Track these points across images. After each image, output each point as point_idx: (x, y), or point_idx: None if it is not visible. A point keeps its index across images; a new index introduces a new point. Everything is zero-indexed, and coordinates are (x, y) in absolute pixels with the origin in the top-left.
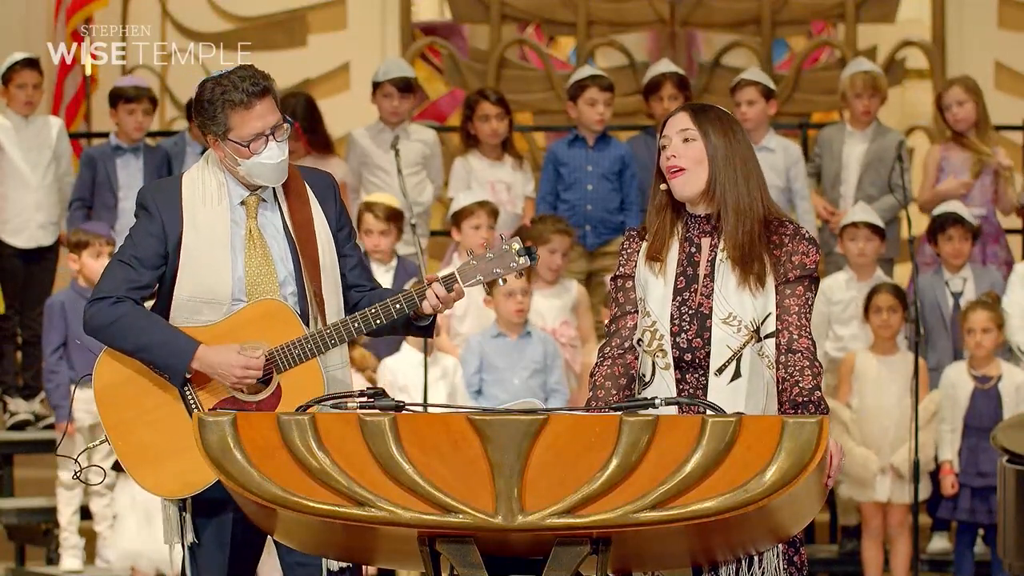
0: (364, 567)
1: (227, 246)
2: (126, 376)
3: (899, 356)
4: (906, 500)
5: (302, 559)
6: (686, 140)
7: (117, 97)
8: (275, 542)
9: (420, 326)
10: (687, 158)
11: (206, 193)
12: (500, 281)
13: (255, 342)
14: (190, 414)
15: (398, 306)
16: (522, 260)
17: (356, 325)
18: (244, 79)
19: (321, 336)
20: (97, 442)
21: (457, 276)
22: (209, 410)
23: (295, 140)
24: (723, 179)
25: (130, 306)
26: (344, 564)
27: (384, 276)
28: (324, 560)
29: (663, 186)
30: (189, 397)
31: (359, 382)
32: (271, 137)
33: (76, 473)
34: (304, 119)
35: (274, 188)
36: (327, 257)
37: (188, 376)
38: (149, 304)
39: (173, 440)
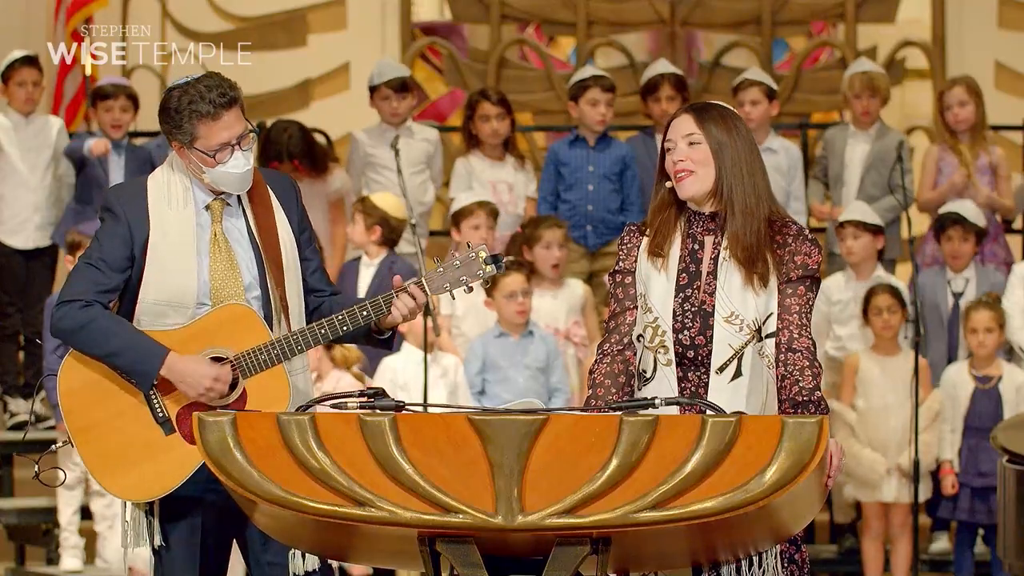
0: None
1: (193, 250)
2: (92, 380)
3: (901, 356)
4: (908, 500)
5: (274, 558)
6: (691, 144)
7: (95, 96)
8: (239, 541)
9: (380, 339)
10: (694, 161)
11: (172, 196)
12: (465, 289)
13: (221, 347)
14: (155, 418)
15: (365, 313)
16: (488, 268)
17: (323, 331)
18: (211, 89)
19: (288, 342)
20: (56, 445)
21: (425, 285)
22: (177, 414)
23: (292, 169)
24: (730, 179)
25: (99, 310)
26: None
27: (365, 271)
28: (291, 555)
29: (668, 183)
30: (155, 402)
31: (347, 380)
32: (237, 147)
33: (36, 474)
34: (299, 151)
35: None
36: (291, 261)
37: (155, 382)
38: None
39: (138, 445)
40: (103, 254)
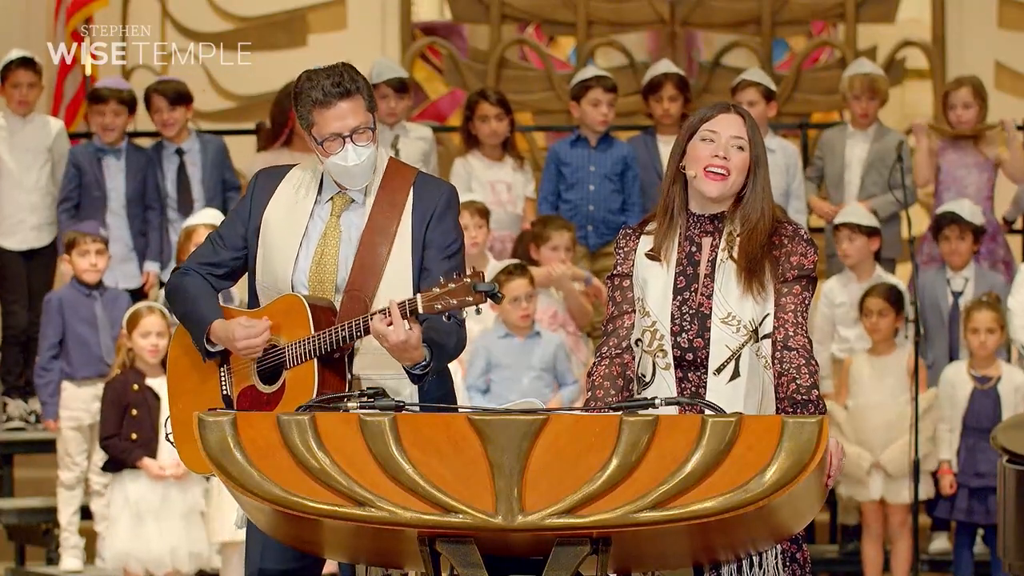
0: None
1: (298, 239)
2: (189, 350)
3: (893, 355)
4: (904, 500)
5: None
6: (737, 147)
7: (90, 98)
8: None
9: (410, 372)
10: (734, 166)
11: (301, 184)
12: (463, 313)
13: (276, 336)
14: (220, 394)
15: (356, 323)
16: (478, 295)
17: (339, 335)
18: (329, 77)
19: (318, 339)
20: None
21: (419, 303)
22: (239, 393)
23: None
24: (756, 196)
25: (192, 278)
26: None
27: None
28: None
29: (685, 169)
30: (223, 377)
31: None
32: (349, 140)
33: (167, 435)
34: None
35: (366, 190)
36: (397, 267)
37: (215, 350)
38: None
39: None
40: (221, 230)
